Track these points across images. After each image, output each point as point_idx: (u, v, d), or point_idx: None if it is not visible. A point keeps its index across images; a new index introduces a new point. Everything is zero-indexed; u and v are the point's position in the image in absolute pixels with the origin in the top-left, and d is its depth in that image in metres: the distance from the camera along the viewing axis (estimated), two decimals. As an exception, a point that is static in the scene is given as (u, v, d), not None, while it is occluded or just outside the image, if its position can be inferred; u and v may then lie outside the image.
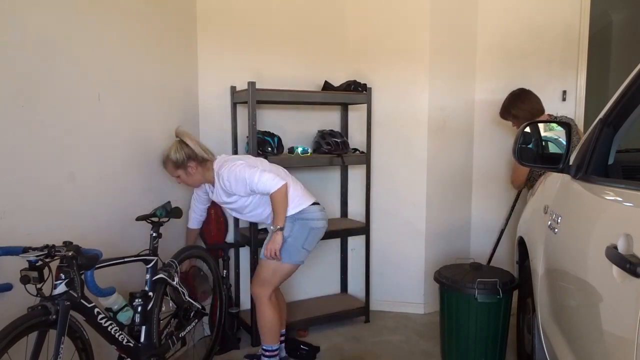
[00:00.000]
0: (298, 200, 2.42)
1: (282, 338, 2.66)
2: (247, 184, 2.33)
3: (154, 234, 2.17)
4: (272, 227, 2.37)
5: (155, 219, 2.18)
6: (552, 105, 3.40)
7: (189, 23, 2.94)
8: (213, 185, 2.47)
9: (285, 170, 2.56)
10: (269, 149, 2.97)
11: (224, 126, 3.14)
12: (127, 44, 2.31)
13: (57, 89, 1.89)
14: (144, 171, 2.47)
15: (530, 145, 2.01)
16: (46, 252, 1.56)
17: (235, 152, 3.14)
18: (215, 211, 3.08)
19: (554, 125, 2.10)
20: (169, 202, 2.29)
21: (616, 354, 1.08)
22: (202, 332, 3.06)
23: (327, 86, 3.22)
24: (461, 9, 3.46)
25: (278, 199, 2.33)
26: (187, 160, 2.36)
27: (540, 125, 2.05)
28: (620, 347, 1.06)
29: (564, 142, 1.84)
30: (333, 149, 3.14)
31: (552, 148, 2.15)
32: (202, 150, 2.40)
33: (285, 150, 3.10)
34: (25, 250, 1.55)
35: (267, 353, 2.51)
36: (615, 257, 1.07)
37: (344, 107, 3.46)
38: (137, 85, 2.39)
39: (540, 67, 3.42)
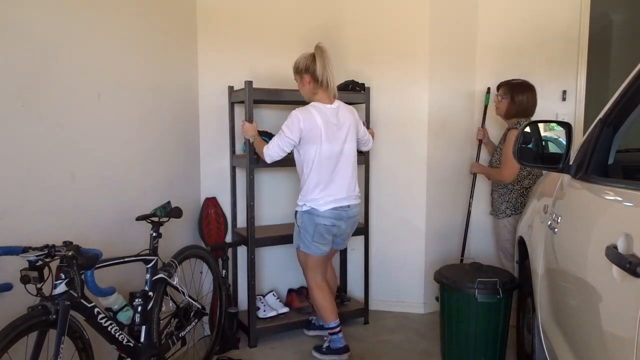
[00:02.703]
0: (313, 201, 2.56)
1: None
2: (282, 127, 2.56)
3: (154, 234, 2.17)
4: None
5: (155, 219, 2.18)
6: (552, 105, 3.40)
7: (189, 22, 2.94)
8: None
9: (329, 165, 2.57)
10: None
11: (224, 126, 3.15)
12: (128, 43, 2.31)
13: (57, 89, 1.89)
14: (144, 171, 2.47)
15: (530, 145, 2.01)
16: (46, 251, 1.56)
17: (233, 152, 3.16)
18: (215, 211, 3.09)
19: (554, 125, 2.10)
20: (169, 202, 2.29)
21: (616, 353, 1.08)
22: (202, 332, 3.07)
23: None
24: (461, 9, 3.46)
25: (260, 151, 2.65)
26: (304, 71, 2.56)
27: (540, 125, 2.05)
28: (620, 347, 1.06)
29: (564, 142, 1.84)
30: None
31: (552, 148, 2.16)
32: (324, 78, 2.52)
33: None
34: (25, 250, 1.55)
35: (330, 330, 2.70)
36: (615, 257, 1.07)
37: (344, 107, 3.42)
38: (137, 85, 2.39)
39: (540, 67, 3.42)
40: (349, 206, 2.62)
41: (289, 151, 2.58)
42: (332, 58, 2.56)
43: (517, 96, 2.94)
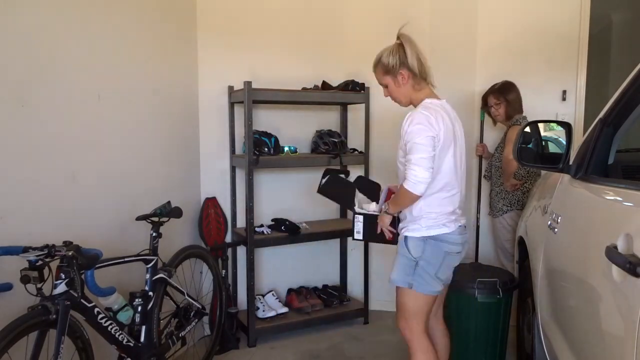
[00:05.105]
0: (439, 222, 1.92)
1: None
2: (408, 142, 1.88)
3: (154, 234, 2.17)
4: (384, 205, 2.10)
5: (155, 219, 2.18)
6: (552, 106, 3.40)
7: (189, 23, 2.94)
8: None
9: (454, 175, 1.95)
10: (266, 149, 2.99)
11: (224, 126, 3.15)
12: (128, 44, 2.31)
13: (57, 89, 1.89)
14: (144, 171, 2.47)
15: (530, 145, 2.01)
16: (46, 251, 1.56)
17: (232, 152, 3.16)
18: (215, 211, 3.09)
19: (554, 125, 2.10)
20: (169, 202, 2.29)
21: (616, 353, 1.09)
22: (202, 331, 3.07)
23: (325, 86, 3.22)
24: (461, 9, 3.46)
25: (405, 197, 1.89)
26: (399, 66, 1.97)
27: (540, 125, 2.05)
28: (620, 347, 1.06)
29: (564, 142, 1.85)
30: (331, 149, 3.15)
31: (552, 148, 2.16)
32: (421, 67, 1.97)
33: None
34: (26, 249, 1.55)
35: None
36: (615, 257, 1.07)
37: (344, 107, 3.46)
38: (137, 85, 2.39)
39: (540, 67, 3.42)
40: (465, 227, 2.04)
41: (433, 162, 1.86)
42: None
43: (508, 96, 3.03)
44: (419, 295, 1.94)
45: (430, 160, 1.84)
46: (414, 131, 1.86)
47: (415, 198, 1.88)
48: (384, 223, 2.08)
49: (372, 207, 2.23)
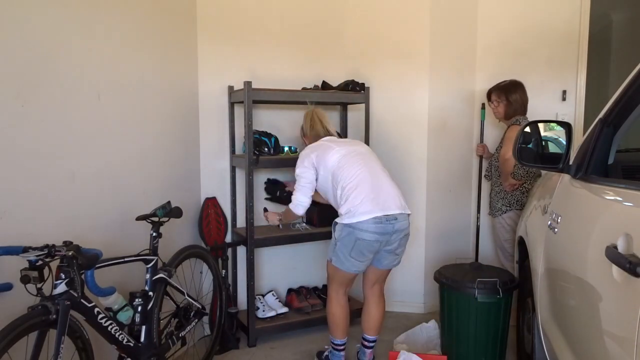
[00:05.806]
0: (354, 212, 2.30)
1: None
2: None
3: (154, 234, 2.17)
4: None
5: (155, 219, 2.18)
6: (552, 106, 3.41)
7: (189, 23, 2.94)
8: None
9: (360, 165, 2.42)
10: (266, 149, 3.00)
11: (224, 126, 3.15)
12: (128, 43, 2.31)
13: (57, 89, 1.89)
14: (144, 171, 2.47)
15: (530, 145, 2.02)
16: (46, 251, 1.56)
17: (232, 152, 3.17)
18: (215, 211, 3.09)
19: (554, 125, 2.10)
20: (169, 202, 2.29)
21: (616, 353, 1.09)
22: (202, 331, 3.07)
23: (325, 86, 3.22)
24: (461, 8, 3.46)
25: (289, 215, 2.62)
26: (302, 135, 2.80)
27: (540, 125, 2.06)
28: (620, 347, 1.07)
29: (564, 142, 1.85)
30: None
31: (552, 148, 2.16)
32: (316, 129, 2.69)
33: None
34: (26, 249, 1.55)
35: (334, 346, 2.59)
36: (615, 257, 1.07)
37: (344, 107, 3.46)
38: (137, 85, 2.39)
39: (540, 66, 3.42)
40: (396, 218, 2.31)
41: (311, 190, 2.52)
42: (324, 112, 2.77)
43: (511, 96, 3.02)
44: (335, 268, 2.43)
45: (306, 187, 2.49)
46: (297, 162, 2.54)
47: (296, 216, 2.60)
48: (271, 218, 2.86)
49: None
